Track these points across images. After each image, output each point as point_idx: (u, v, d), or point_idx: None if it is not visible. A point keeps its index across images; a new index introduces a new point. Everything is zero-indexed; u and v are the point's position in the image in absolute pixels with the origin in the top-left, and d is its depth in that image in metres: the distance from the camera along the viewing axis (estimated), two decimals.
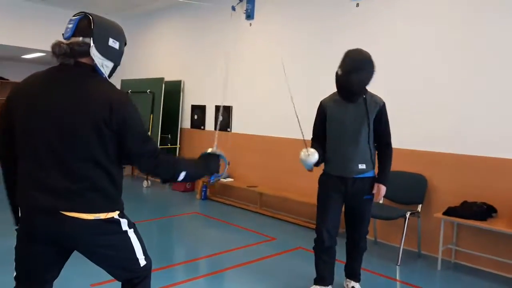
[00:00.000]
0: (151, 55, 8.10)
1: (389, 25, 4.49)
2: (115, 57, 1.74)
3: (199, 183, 6.32)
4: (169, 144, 7.11)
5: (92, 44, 1.64)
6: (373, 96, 2.89)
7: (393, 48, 4.44)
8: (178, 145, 7.17)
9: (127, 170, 8.02)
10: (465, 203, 3.79)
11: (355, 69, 2.74)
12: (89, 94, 1.62)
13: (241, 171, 6.05)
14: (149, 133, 6.92)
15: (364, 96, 2.84)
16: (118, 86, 8.08)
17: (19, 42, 7.55)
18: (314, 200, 4.76)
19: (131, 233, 1.79)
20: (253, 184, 5.74)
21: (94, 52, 1.64)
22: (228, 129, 6.33)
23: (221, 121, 6.40)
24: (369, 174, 2.90)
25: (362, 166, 2.84)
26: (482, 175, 3.81)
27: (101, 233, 1.68)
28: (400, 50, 4.40)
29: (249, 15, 6.05)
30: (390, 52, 4.44)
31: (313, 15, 5.23)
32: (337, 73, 2.81)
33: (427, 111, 4.18)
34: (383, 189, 2.89)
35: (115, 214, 1.72)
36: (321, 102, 3.06)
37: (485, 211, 3.63)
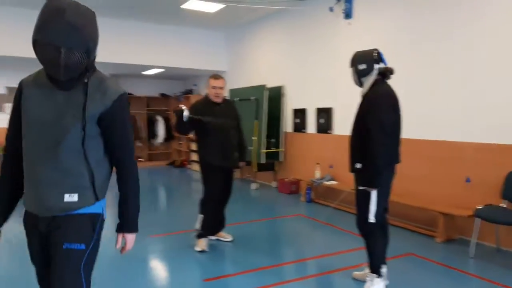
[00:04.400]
0: (254, 64, 8.46)
1: (497, 21, 4.03)
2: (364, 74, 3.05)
3: (303, 186, 6.41)
4: (273, 148, 7.33)
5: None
6: (104, 81, 1.69)
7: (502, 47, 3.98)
8: (282, 149, 7.35)
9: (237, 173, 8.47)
10: None
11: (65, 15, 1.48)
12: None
13: (344, 173, 5.97)
14: (254, 137, 7.23)
15: (86, 80, 1.64)
16: (227, 95, 8.62)
17: (140, 60, 8.53)
18: (425, 204, 4.51)
19: (374, 192, 2.90)
20: None
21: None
22: (329, 131, 6.30)
23: (322, 123, 6.41)
24: (85, 210, 1.69)
25: (70, 198, 1.65)
26: None
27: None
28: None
29: (348, 14, 5.95)
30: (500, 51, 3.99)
31: (415, 11, 4.94)
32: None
33: None
34: (128, 240, 1.79)
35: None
36: (20, 82, 1.74)
37: None
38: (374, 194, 2.92)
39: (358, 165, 2.98)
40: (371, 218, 2.95)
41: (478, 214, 3.71)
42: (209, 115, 3.90)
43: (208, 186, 4.04)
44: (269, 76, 7.79)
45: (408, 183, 4.96)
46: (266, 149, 7.25)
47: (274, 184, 7.55)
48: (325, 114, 6.41)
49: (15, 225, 5.16)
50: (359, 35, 5.77)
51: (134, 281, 3.43)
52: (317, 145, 6.60)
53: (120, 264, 3.79)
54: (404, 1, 5.10)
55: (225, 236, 4.33)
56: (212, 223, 4.12)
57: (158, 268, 3.75)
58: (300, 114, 7.02)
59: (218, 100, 3.93)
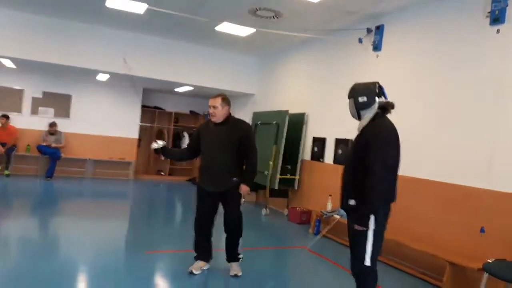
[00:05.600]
0: (280, 89, 8.46)
1: None
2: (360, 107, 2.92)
3: (313, 217, 6.19)
4: (288, 175, 7.18)
5: None
6: None
7: None
8: (297, 176, 7.19)
9: (251, 196, 8.35)
10: None
11: None
12: None
13: None
14: (271, 162, 7.12)
15: None
16: (250, 118, 8.61)
17: (173, 77, 8.73)
18: (434, 250, 4.20)
19: (370, 232, 2.69)
20: None
21: None
22: None
23: (340, 154, 6.24)
24: None
25: None
26: None
27: None
28: None
29: (376, 47, 5.85)
30: None
31: (446, 46, 4.77)
32: None
33: None
34: None
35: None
36: None
37: None
38: (370, 234, 2.71)
39: (352, 202, 2.79)
40: (367, 261, 2.73)
41: (486, 268, 3.39)
42: (206, 135, 3.89)
43: (196, 208, 3.96)
44: (294, 102, 7.73)
45: (418, 224, 4.66)
46: (281, 175, 7.12)
47: (286, 211, 7.36)
48: (343, 146, 6.23)
49: (15, 225, 5.29)
50: (386, 68, 5.63)
51: None
52: (333, 176, 6.37)
53: (99, 276, 3.74)
54: (434, 37, 4.94)
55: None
56: (200, 246, 3.96)
57: (128, 286, 3.60)
58: (319, 143, 6.87)
59: (215, 119, 3.82)
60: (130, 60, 8.16)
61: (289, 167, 7.25)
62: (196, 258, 3.96)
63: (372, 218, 2.70)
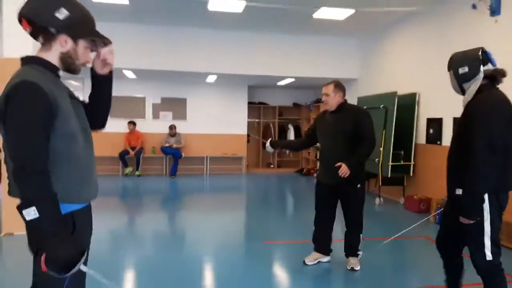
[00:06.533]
0: (385, 70, 8.02)
1: None
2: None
3: (434, 205, 5.76)
4: (402, 161, 6.78)
5: None
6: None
7: None
8: (412, 162, 6.75)
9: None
10: None
11: None
12: None
13: None
14: (381, 149, 6.81)
15: None
16: (355, 103, 8.36)
17: (274, 71, 8.90)
18: None
19: (487, 224, 2.39)
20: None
21: None
22: None
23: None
24: None
25: None
26: None
27: None
28: None
29: (494, 11, 5.17)
30: None
31: None
32: None
33: None
34: None
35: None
36: None
37: None
38: (487, 226, 2.39)
39: (459, 191, 2.45)
40: (489, 255, 2.42)
41: None
42: (321, 124, 3.87)
43: (315, 201, 3.97)
44: (402, 82, 7.26)
45: None
46: (393, 162, 6.75)
47: (402, 200, 6.97)
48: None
49: (148, 219, 5.93)
50: (508, 34, 4.95)
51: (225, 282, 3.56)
52: None
53: (222, 265, 4.00)
54: None
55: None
56: (319, 238, 3.96)
57: (250, 274, 3.76)
58: (435, 124, 6.35)
59: (327, 107, 3.75)
60: (234, 59, 8.53)
61: (402, 152, 6.84)
62: (315, 250, 4.00)
63: (486, 208, 2.37)
